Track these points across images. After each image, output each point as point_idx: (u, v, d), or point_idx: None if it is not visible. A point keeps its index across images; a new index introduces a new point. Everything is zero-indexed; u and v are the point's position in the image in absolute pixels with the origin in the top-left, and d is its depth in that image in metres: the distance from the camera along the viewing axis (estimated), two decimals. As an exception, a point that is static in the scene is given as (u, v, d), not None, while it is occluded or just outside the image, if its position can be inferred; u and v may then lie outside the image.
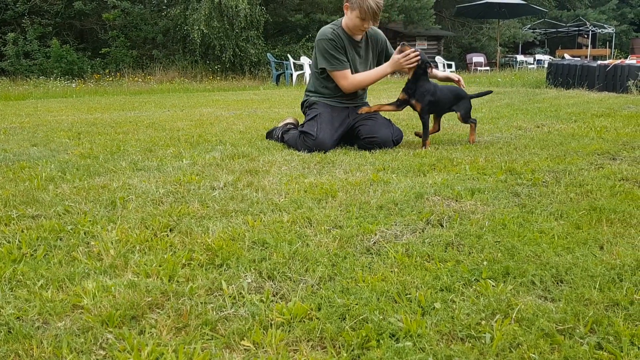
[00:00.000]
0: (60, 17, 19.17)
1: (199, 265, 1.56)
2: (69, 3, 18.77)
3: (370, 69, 3.66)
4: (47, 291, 1.38)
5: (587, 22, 25.02)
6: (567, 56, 18.89)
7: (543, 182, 2.48)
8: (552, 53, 25.34)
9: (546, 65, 12.46)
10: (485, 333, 1.17)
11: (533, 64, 20.49)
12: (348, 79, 3.53)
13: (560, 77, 9.28)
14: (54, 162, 3.11)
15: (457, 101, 3.60)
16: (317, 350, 1.13)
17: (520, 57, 21.67)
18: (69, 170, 2.87)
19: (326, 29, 3.56)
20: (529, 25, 25.68)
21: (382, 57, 3.76)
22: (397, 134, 3.56)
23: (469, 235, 1.76)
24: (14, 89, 12.91)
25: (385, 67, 3.56)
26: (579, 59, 14.91)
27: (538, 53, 23.98)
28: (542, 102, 6.53)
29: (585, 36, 25.95)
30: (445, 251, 1.64)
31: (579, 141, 3.52)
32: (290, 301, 1.32)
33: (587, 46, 25.49)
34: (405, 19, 20.20)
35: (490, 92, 4.17)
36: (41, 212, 2.09)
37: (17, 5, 18.08)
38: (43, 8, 18.90)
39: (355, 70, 3.59)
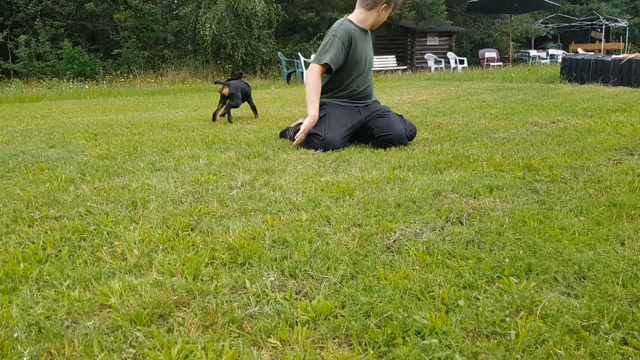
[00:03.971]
0: (72, 18, 19.33)
1: (221, 264, 1.57)
2: (81, 4, 18.92)
3: (372, 63, 3.80)
4: (74, 291, 1.40)
5: (600, 16, 24.77)
6: (580, 50, 18.70)
7: (561, 178, 2.47)
8: (565, 48, 25.13)
9: (560, 60, 12.36)
10: (510, 330, 1.18)
11: (546, 58, 20.34)
12: (315, 74, 3.54)
13: (574, 72, 9.21)
14: (72, 164, 3.14)
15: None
16: (344, 347, 1.14)
17: (533, 52, 21.52)
18: (88, 171, 2.90)
19: (343, 27, 3.58)
20: (542, 20, 25.46)
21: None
22: (410, 129, 3.56)
23: (489, 233, 1.76)
24: (28, 90, 13.05)
25: (313, 114, 3.52)
26: (592, 53, 14.79)
27: (551, 48, 23.80)
28: (556, 98, 6.49)
29: (599, 30, 25.69)
30: (466, 249, 1.64)
31: (595, 137, 3.50)
32: (314, 299, 1.33)
33: (600, 40, 25.23)
34: (417, 15, 20.11)
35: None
36: (63, 213, 2.12)
37: (28, 7, 18.25)
38: (55, 10, 19.07)
39: (359, 64, 3.62)
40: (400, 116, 3.65)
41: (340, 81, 3.62)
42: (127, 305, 1.30)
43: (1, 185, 2.62)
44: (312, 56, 14.86)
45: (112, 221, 1.98)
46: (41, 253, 1.68)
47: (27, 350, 1.12)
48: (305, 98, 3.62)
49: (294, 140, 3.76)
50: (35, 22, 18.17)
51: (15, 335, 1.19)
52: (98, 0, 19.27)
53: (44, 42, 17.80)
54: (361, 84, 3.66)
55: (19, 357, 1.10)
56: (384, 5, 3.53)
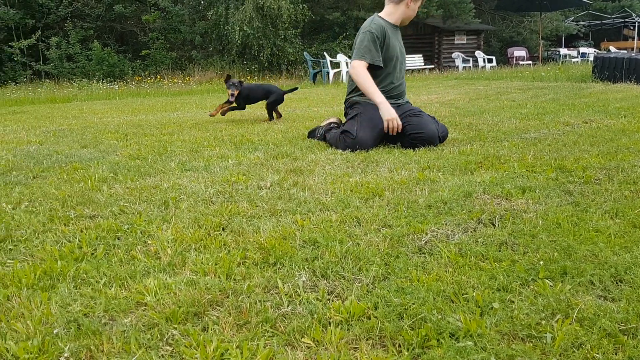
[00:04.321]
0: (101, 20, 19.68)
1: (253, 263, 1.59)
2: (110, 6, 19.25)
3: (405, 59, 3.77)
4: (110, 289, 1.43)
5: (633, 13, 24.21)
6: (612, 49, 18.33)
7: (595, 179, 2.43)
8: (596, 46, 24.63)
9: (591, 59, 12.12)
10: (546, 333, 1.16)
11: (577, 57, 19.97)
12: (362, 67, 3.54)
13: (606, 70, 9.03)
14: (105, 163, 3.20)
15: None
16: (378, 348, 1.14)
17: (563, 51, 21.15)
18: (120, 171, 2.95)
19: (376, 22, 3.62)
20: (572, 18, 25.02)
21: None
22: (442, 130, 3.53)
23: (522, 235, 1.74)
24: (59, 91, 13.33)
25: (381, 101, 3.49)
26: (625, 51, 14.46)
27: (582, 46, 23.37)
28: (588, 97, 6.37)
29: (631, 28, 25.11)
30: (500, 251, 1.62)
31: (629, 137, 3.43)
32: (346, 300, 1.33)
33: (633, 38, 24.66)
34: (444, 13, 19.94)
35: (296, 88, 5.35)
36: (97, 212, 2.16)
37: (59, 10, 18.64)
38: (84, 12, 19.44)
39: (392, 61, 3.62)
40: (433, 117, 3.62)
41: (375, 76, 3.61)
42: (163, 304, 1.32)
43: (37, 185, 2.68)
44: (339, 55, 14.90)
45: (145, 220, 2.01)
46: (77, 251, 1.72)
47: (68, 347, 1.15)
48: (361, 82, 3.56)
49: (324, 139, 3.78)
50: (66, 24, 18.55)
51: (55, 331, 1.21)
52: (127, 2, 19.60)
53: (74, 43, 18.16)
54: (396, 79, 3.67)
55: (60, 353, 1.13)
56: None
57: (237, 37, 16.49)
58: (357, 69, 3.56)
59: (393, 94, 3.65)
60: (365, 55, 3.53)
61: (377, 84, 3.57)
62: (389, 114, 3.44)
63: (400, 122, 3.43)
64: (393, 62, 3.64)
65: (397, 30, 3.71)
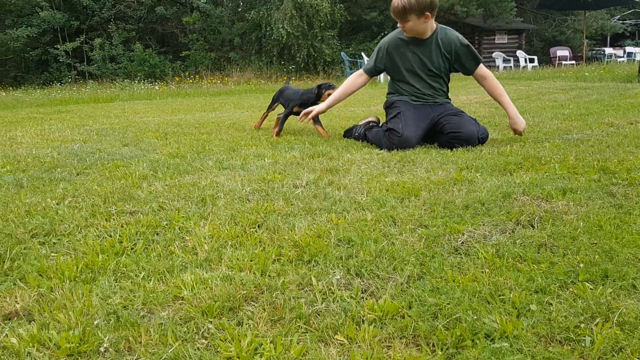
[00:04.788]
0: (143, 22, 20.16)
1: (288, 260, 1.60)
2: (151, 8, 19.69)
3: (436, 69, 3.62)
4: (149, 282, 1.46)
5: (683, 11, 23.33)
6: (660, 48, 17.69)
7: (640, 181, 2.35)
8: (643, 45, 23.83)
9: (638, 58, 11.73)
10: (585, 336, 1.13)
11: (623, 57, 19.36)
12: (354, 74, 3.94)
13: (653, 70, 8.73)
14: (145, 161, 3.28)
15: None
16: (411, 347, 1.13)
17: (608, 50, 20.54)
18: (160, 168, 3.01)
19: (389, 35, 3.78)
20: (618, 16, 24.27)
21: (456, 63, 3.66)
22: (482, 132, 3.47)
23: (562, 237, 1.69)
24: (102, 92, 13.70)
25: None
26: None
27: (628, 45, 22.64)
28: (634, 98, 6.17)
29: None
30: (538, 252, 1.59)
31: (678, 138, 3.30)
32: (380, 298, 1.33)
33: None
34: (485, 12, 19.63)
35: None
36: (137, 208, 2.21)
37: (102, 12, 19.17)
38: (127, 14, 19.95)
39: (423, 64, 3.58)
40: (474, 119, 3.57)
41: (399, 83, 3.74)
42: (199, 298, 1.34)
43: (80, 181, 2.76)
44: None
45: (183, 217, 2.05)
46: (118, 246, 1.76)
47: (107, 337, 1.18)
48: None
49: (365, 138, 3.81)
50: (109, 26, 19.07)
51: (95, 322, 1.25)
52: (168, 4, 20.00)
53: (117, 45, 18.65)
54: (423, 87, 3.62)
55: (100, 343, 1.16)
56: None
57: (282, 34, 16.58)
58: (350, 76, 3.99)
59: (422, 95, 3.65)
60: (367, 65, 3.88)
61: (404, 91, 3.69)
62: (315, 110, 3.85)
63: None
64: (413, 72, 3.64)
65: (415, 41, 3.57)
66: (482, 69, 3.69)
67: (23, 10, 18.68)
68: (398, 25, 3.53)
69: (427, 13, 3.36)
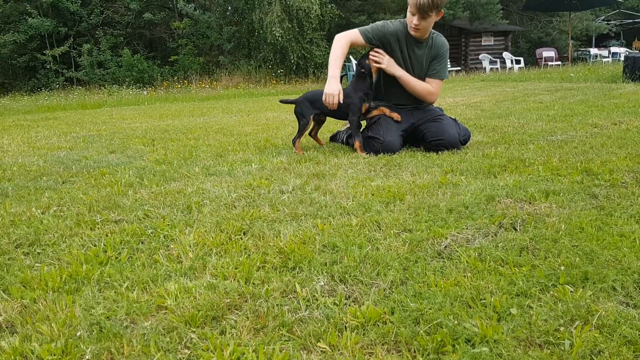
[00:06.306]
0: (131, 27, 20.10)
1: (272, 268, 1.60)
2: (139, 14, 19.63)
3: (423, 73, 3.60)
4: (133, 292, 1.46)
5: (667, 11, 23.60)
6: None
7: (622, 183, 2.38)
8: (628, 45, 24.06)
9: (622, 59, 11.87)
10: (564, 339, 1.15)
11: (608, 57, 19.56)
12: (340, 37, 3.66)
13: (637, 70, 8.83)
14: (131, 168, 3.27)
15: None
16: (393, 353, 1.14)
17: (594, 51, 20.75)
18: (146, 176, 3.01)
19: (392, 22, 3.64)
20: (603, 17, 24.51)
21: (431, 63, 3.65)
22: (464, 133, 3.49)
23: (544, 239, 1.71)
24: (90, 97, 13.65)
25: (331, 75, 3.56)
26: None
27: (613, 46, 22.87)
28: (619, 98, 6.23)
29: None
30: (520, 256, 1.61)
31: (660, 139, 3.34)
32: (363, 305, 1.34)
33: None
34: (471, 15, 19.76)
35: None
36: (123, 216, 2.20)
37: (91, 18, 19.10)
38: (115, 19, 19.90)
39: (408, 68, 3.57)
40: (454, 119, 3.59)
41: (384, 87, 3.70)
42: (182, 307, 1.35)
43: (65, 190, 2.75)
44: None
45: (169, 225, 2.05)
46: (102, 255, 1.76)
47: (89, 349, 1.18)
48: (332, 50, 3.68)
49: (347, 143, 3.79)
50: (97, 32, 18.99)
51: (78, 334, 1.25)
52: (155, 9, 19.96)
53: (105, 50, 18.57)
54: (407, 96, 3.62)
55: (82, 355, 1.16)
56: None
57: (277, 37, 16.53)
58: (338, 38, 3.66)
59: (408, 102, 3.63)
60: (363, 30, 3.60)
61: (387, 95, 3.62)
62: (329, 89, 3.45)
63: (337, 101, 3.42)
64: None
65: (414, 41, 3.54)
66: (437, 83, 3.63)
67: (10, 17, 18.56)
68: (413, 21, 3.37)
69: (442, 10, 3.42)
